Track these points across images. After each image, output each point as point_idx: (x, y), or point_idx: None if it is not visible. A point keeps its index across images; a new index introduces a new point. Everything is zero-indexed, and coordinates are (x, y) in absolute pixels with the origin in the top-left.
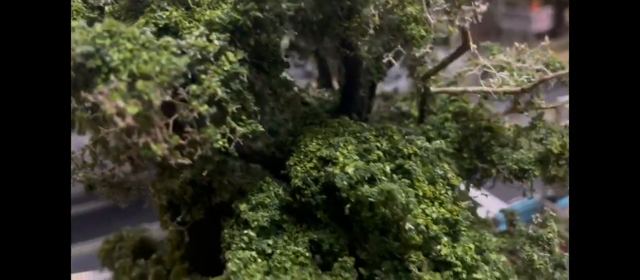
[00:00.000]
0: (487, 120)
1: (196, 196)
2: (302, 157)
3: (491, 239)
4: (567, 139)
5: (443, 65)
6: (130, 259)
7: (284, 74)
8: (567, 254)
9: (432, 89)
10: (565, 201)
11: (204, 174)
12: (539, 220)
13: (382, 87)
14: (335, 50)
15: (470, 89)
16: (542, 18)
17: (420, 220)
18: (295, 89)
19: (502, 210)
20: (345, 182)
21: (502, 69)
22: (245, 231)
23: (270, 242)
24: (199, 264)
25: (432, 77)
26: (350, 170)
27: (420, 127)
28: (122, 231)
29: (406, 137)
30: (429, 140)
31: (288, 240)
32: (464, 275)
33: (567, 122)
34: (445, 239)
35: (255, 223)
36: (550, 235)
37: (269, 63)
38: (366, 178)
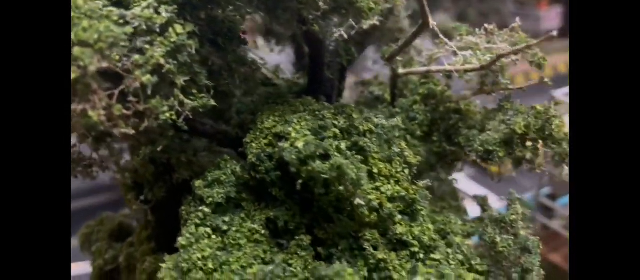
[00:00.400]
0: (456, 103)
1: (158, 175)
2: (258, 134)
3: (457, 223)
4: (531, 120)
5: (406, 44)
6: (106, 242)
7: (249, 54)
8: (533, 238)
9: (400, 71)
10: (564, 200)
11: (159, 149)
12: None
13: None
14: (291, 26)
15: (433, 68)
16: (551, 17)
17: (372, 197)
18: (264, 70)
19: (475, 196)
20: (293, 156)
21: (470, 49)
22: (201, 208)
23: (227, 219)
24: (163, 243)
25: (400, 58)
26: (300, 145)
27: (388, 109)
28: (103, 215)
29: (365, 116)
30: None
31: (245, 218)
32: (422, 255)
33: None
34: (399, 217)
35: (211, 199)
36: (513, 217)
37: (224, 39)
38: (318, 154)
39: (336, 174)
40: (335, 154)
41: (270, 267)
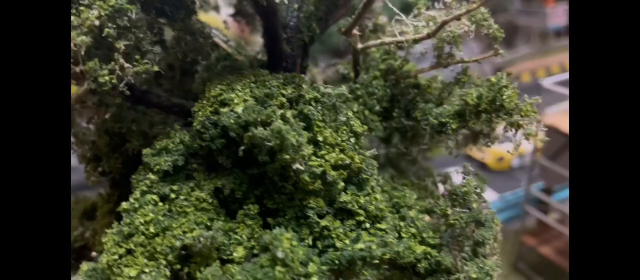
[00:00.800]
0: (415, 78)
1: (114, 146)
2: (205, 102)
3: (412, 197)
4: (484, 91)
5: (359, 16)
6: (78, 221)
7: (204, 27)
8: (487, 211)
9: (359, 46)
10: (561, 194)
11: (107, 116)
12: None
13: None
14: None
15: (387, 40)
16: (558, 13)
17: (314, 164)
18: (226, 46)
19: (439, 174)
20: (231, 121)
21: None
22: (148, 175)
23: (175, 188)
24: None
25: (358, 32)
26: (239, 109)
27: (349, 86)
28: (79, 195)
29: (312, 85)
30: (357, 98)
31: (194, 188)
32: (368, 225)
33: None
34: (342, 184)
35: (157, 167)
36: (465, 189)
37: (172, 8)
38: (260, 120)
39: (277, 140)
40: (278, 120)
41: (211, 232)
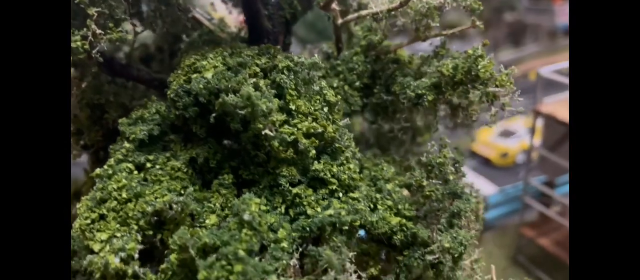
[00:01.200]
0: (394, 52)
1: (95, 119)
2: (179, 72)
3: (389, 170)
4: (460, 62)
5: None
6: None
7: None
8: (461, 183)
9: (339, 21)
10: (565, 188)
11: (84, 85)
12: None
13: None
14: None
15: (363, 12)
16: (566, 11)
17: (285, 131)
18: (209, 24)
19: (423, 152)
20: (201, 86)
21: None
22: (124, 144)
23: (151, 157)
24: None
25: (337, 6)
26: (208, 75)
27: (329, 61)
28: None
29: (287, 55)
30: (337, 74)
31: (170, 158)
32: (341, 194)
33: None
34: (314, 152)
35: (133, 136)
36: (440, 160)
37: None
38: (231, 87)
39: (248, 108)
40: (249, 87)
41: (182, 198)
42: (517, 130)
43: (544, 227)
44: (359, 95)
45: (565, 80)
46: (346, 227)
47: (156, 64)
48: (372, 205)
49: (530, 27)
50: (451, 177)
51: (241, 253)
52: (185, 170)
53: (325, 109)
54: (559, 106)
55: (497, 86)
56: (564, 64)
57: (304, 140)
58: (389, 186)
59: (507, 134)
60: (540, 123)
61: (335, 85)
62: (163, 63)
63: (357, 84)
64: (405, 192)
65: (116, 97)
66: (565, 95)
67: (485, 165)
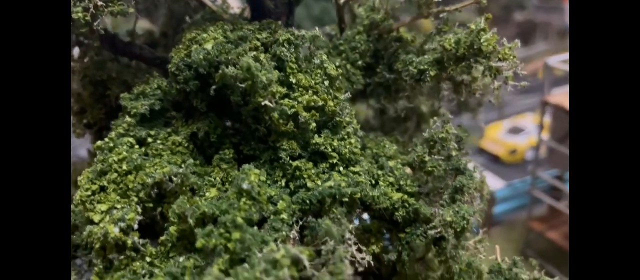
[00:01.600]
0: (397, 31)
1: (98, 96)
2: (180, 47)
3: (391, 148)
4: (462, 37)
5: None
6: (73, 187)
7: None
8: (464, 160)
9: (341, 0)
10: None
11: (86, 60)
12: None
13: None
14: None
15: None
16: None
17: (285, 103)
18: (212, 6)
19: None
20: (200, 56)
21: None
22: (126, 119)
23: (152, 132)
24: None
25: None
26: (208, 46)
27: (332, 41)
28: (74, 162)
29: (287, 29)
30: (340, 53)
31: (171, 133)
32: (341, 168)
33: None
34: (314, 125)
35: (134, 110)
36: (443, 135)
37: None
38: (230, 59)
39: (248, 80)
40: (249, 59)
41: (181, 169)
42: (526, 126)
43: (553, 220)
44: (362, 74)
45: None
46: (346, 199)
47: (161, 50)
48: (373, 181)
49: (540, 25)
50: (454, 153)
51: (239, 220)
52: (186, 145)
53: (326, 83)
54: (567, 97)
55: (500, 60)
56: None
57: (305, 114)
58: (391, 163)
59: (516, 130)
60: (548, 116)
61: (337, 63)
62: (168, 48)
63: (360, 62)
64: (408, 170)
65: (119, 74)
66: None
67: (493, 162)
